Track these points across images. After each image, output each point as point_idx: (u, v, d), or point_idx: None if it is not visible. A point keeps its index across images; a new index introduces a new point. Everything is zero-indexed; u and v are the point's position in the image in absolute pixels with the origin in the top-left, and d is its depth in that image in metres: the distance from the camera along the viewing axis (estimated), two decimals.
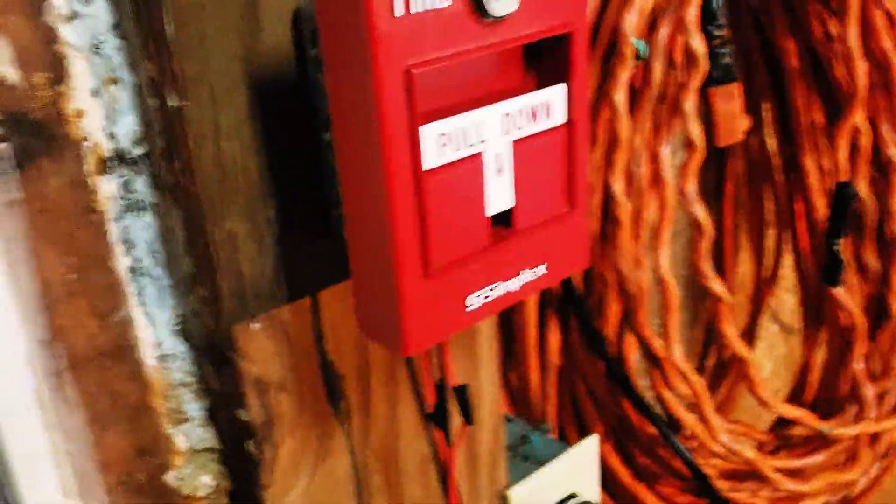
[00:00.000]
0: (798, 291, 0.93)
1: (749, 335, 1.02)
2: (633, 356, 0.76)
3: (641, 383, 0.77)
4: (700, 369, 1.06)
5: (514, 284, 0.43)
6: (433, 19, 0.36)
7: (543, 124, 0.42)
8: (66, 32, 0.41)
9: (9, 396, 0.42)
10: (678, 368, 0.67)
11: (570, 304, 0.70)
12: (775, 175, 0.88)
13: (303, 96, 0.44)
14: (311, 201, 0.46)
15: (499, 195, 0.41)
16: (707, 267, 0.65)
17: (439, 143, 0.38)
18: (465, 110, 0.39)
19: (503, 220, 0.42)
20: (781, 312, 1.17)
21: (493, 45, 0.38)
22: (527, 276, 0.43)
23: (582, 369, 0.75)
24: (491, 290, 0.42)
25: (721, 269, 1.01)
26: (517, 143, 0.41)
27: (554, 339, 0.71)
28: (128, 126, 0.44)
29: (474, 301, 0.41)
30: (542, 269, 0.44)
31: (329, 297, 0.49)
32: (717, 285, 0.66)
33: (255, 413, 0.48)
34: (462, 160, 0.39)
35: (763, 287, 1.01)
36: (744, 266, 1.06)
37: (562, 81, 0.42)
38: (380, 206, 0.37)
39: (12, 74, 0.39)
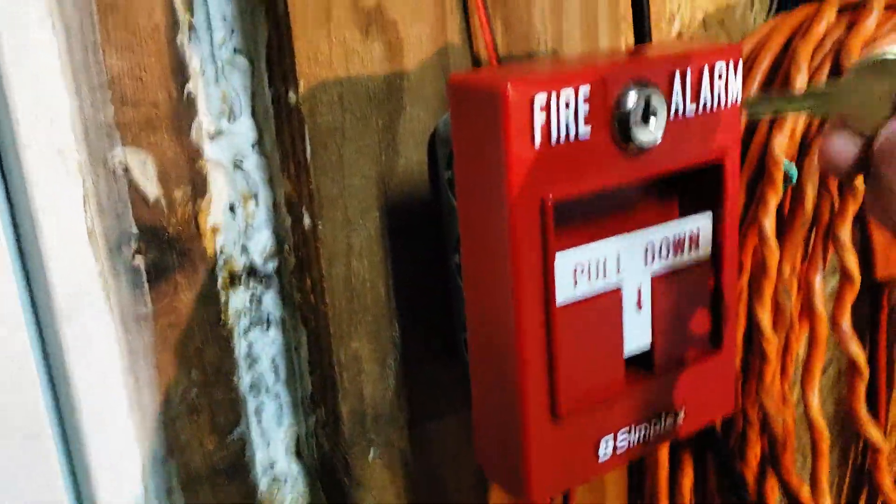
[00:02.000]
0: None
1: None
2: (776, 497, 0.69)
3: None
4: None
5: (649, 431, 0.39)
6: (573, 150, 0.34)
7: (688, 256, 0.39)
8: (210, 149, 0.42)
9: None
10: None
11: (709, 443, 0.65)
12: None
13: (434, 218, 0.43)
14: (437, 324, 0.44)
15: (636, 334, 0.38)
16: (864, 411, 0.58)
17: (574, 274, 0.35)
18: (603, 239, 0.36)
19: (640, 360, 0.39)
20: None
21: (636, 176, 0.35)
22: (664, 422, 0.39)
23: None
24: (625, 435, 0.38)
25: (874, 406, 0.92)
26: (658, 276, 0.38)
27: (687, 480, 0.65)
28: (262, 241, 0.44)
29: (606, 448, 0.38)
30: (681, 415, 0.40)
31: (453, 426, 0.47)
32: (874, 432, 0.59)
33: None
34: (598, 295, 0.36)
35: None
36: None
37: (709, 210, 0.39)
38: (507, 340, 0.35)
39: (154, 191, 0.40)
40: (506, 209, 0.33)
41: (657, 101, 0.35)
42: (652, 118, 0.35)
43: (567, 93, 0.33)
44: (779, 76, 0.60)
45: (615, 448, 0.38)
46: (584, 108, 0.34)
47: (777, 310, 0.59)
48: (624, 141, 0.35)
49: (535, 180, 0.33)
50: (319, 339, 0.43)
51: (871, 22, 0.58)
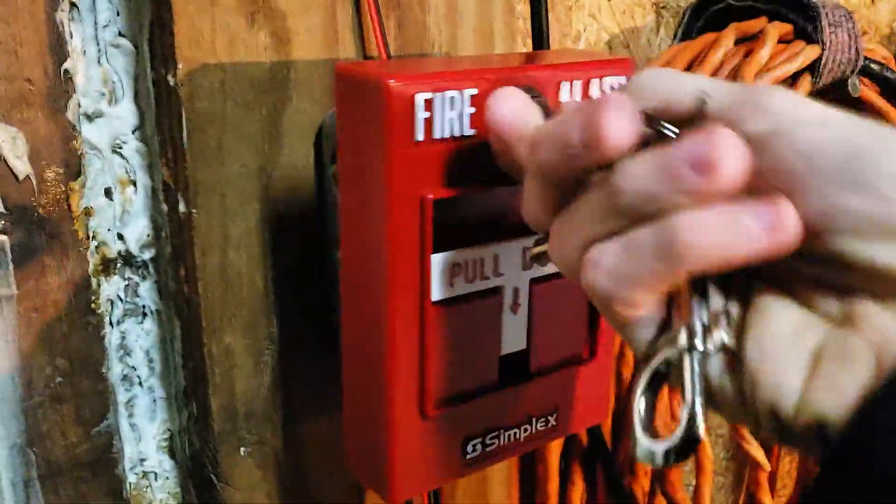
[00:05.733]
0: None
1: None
2: None
3: None
4: None
5: (520, 433, 0.39)
6: (457, 151, 0.33)
7: None
8: (88, 131, 0.41)
9: None
10: None
11: (598, 457, 0.65)
12: None
13: (317, 213, 0.42)
14: (316, 321, 0.44)
15: (512, 335, 0.38)
16: (746, 430, 0.60)
17: (451, 273, 0.35)
18: (485, 242, 0.36)
19: (514, 361, 0.39)
20: None
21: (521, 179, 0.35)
22: (535, 424, 0.39)
23: None
24: (494, 437, 0.38)
25: None
26: (536, 281, 0.38)
27: (577, 494, 0.66)
28: (138, 229, 0.43)
29: (475, 449, 0.38)
30: (552, 419, 0.40)
31: (329, 427, 0.46)
32: (756, 451, 0.60)
33: None
34: (475, 294, 0.36)
35: None
36: None
37: None
38: (378, 336, 0.35)
39: (23, 168, 0.39)
40: (383, 204, 0.33)
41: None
42: None
43: (452, 94, 0.32)
44: None
45: (484, 449, 0.38)
46: (469, 111, 0.33)
47: None
48: None
49: (415, 178, 0.33)
50: (192, 331, 0.42)
51: (765, 52, 0.60)
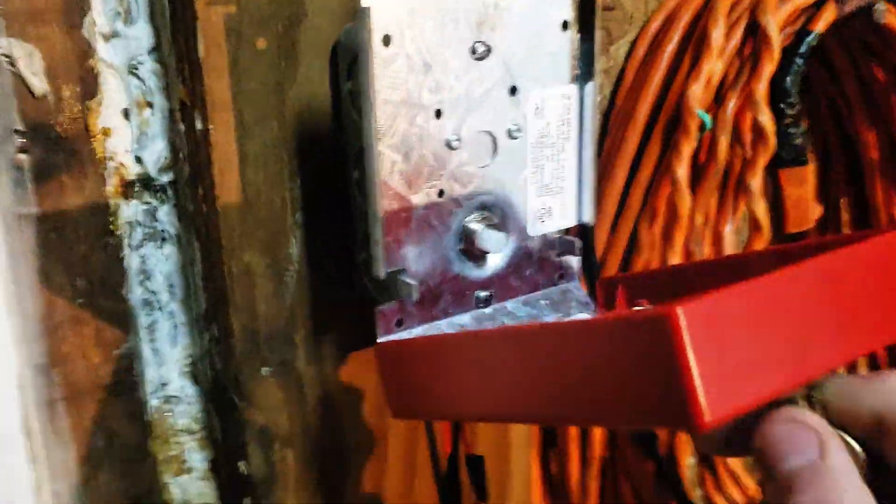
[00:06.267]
0: None
1: None
2: (687, 458, 0.70)
3: (696, 492, 0.70)
4: None
5: None
6: None
7: None
8: (104, 50, 0.41)
9: None
10: (731, 471, 0.61)
11: None
12: None
13: (334, 131, 0.42)
14: (336, 240, 0.43)
15: None
16: None
17: None
18: None
19: None
20: None
21: None
22: None
23: (628, 466, 0.69)
24: None
25: None
26: None
27: (599, 428, 0.66)
28: (157, 151, 0.43)
29: None
30: None
31: (352, 349, 0.46)
32: None
33: (256, 467, 0.44)
34: None
35: None
36: None
37: None
38: None
39: (41, 85, 0.39)
40: None
41: None
42: None
43: None
44: (697, 29, 0.61)
45: None
46: None
47: (688, 258, 0.59)
48: None
49: None
50: (211, 250, 0.42)
51: None
